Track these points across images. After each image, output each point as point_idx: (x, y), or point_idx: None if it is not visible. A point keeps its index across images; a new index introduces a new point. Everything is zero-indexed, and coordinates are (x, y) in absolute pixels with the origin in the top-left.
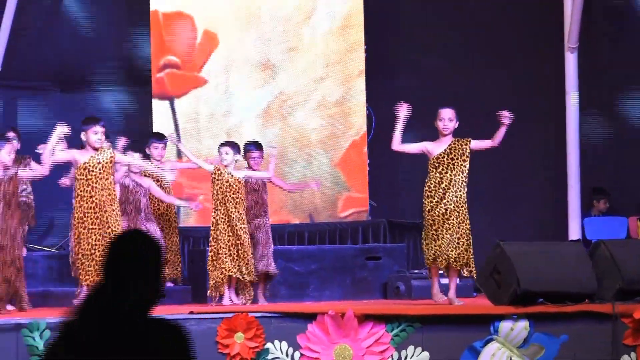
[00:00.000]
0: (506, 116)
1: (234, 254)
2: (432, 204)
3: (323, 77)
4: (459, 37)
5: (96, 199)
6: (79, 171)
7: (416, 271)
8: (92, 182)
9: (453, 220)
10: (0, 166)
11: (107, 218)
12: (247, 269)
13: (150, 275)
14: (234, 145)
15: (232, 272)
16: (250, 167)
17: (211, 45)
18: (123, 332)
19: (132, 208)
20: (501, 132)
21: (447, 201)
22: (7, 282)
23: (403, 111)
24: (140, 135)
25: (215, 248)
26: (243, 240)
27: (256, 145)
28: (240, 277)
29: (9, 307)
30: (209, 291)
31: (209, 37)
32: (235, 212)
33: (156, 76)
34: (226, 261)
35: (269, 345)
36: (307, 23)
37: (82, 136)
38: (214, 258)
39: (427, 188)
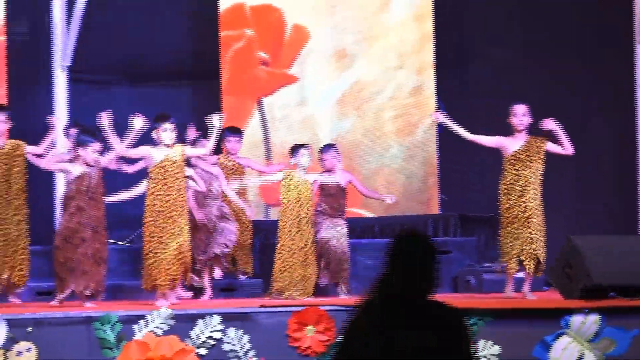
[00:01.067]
0: (547, 123)
1: (301, 264)
2: (510, 202)
3: (398, 66)
4: (527, 30)
5: (171, 198)
6: (154, 170)
7: (487, 265)
8: (169, 181)
9: (532, 218)
10: (83, 162)
11: (177, 217)
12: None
13: (427, 267)
14: (309, 147)
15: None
16: (325, 169)
17: (300, 39)
18: (406, 314)
19: (206, 194)
20: (562, 138)
21: (527, 199)
22: (85, 274)
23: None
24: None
25: (283, 256)
26: (309, 248)
27: (328, 147)
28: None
29: (89, 304)
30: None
31: (298, 31)
32: (305, 218)
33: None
34: (293, 268)
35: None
36: (382, 11)
37: (154, 134)
38: (283, 267)
39: (503, 186)
